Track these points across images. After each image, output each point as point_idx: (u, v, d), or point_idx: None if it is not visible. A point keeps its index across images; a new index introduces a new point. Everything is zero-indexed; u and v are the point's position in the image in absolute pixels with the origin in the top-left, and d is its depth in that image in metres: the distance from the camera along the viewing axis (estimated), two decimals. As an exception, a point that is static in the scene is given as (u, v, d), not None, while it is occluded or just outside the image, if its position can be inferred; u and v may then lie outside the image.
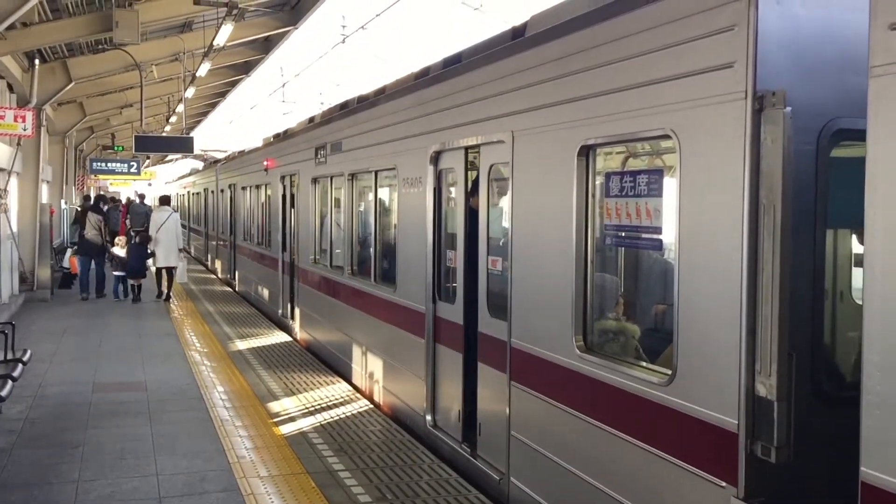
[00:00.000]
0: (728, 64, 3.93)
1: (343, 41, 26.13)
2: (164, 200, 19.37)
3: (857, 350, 3.19)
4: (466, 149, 6.92)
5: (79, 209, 20.65)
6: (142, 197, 28.25)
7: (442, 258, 7.66)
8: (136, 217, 21.46)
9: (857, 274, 4.20)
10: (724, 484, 3.93)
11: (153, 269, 18.58)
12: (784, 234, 3.68)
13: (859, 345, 3.13)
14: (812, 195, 3.89)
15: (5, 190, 15.91)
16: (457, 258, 7.24)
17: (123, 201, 32.10)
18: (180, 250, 18.66)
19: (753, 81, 3.79)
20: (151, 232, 18.05)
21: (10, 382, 7.77)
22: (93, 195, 27.99)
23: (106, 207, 21.69)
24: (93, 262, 18.49)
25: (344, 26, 38.31)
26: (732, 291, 3.88)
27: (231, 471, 6.88)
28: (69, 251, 20.85)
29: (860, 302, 3.35)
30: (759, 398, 3.76)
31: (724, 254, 3.94)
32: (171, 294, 18.27)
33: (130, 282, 18.04)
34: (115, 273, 18.36)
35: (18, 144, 16.78)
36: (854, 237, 4.22)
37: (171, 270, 18.11)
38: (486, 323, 6.68)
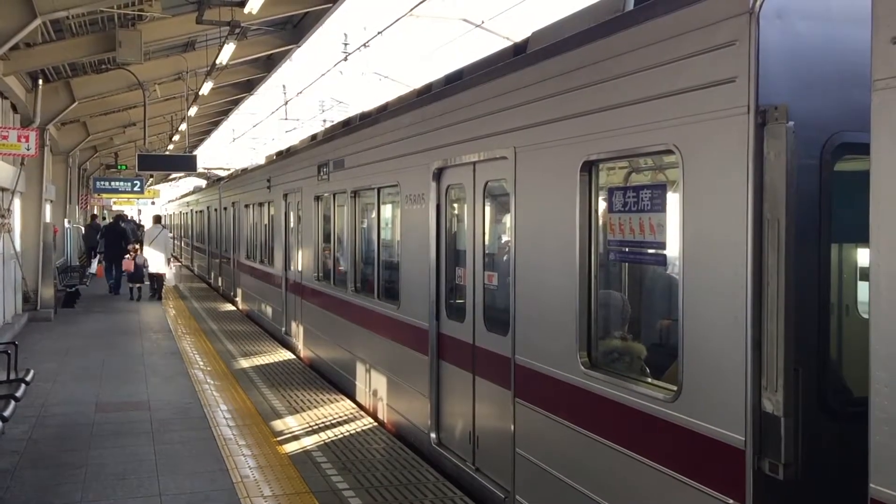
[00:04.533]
0: (730, 79, 3.92)
1: (345, 59, 26.15)
2: (157, 219, 24.22)
3: (863, 365, 3.16)
4: (474, 164, 6.91)
5: (105, 227, 26.15)
6: (123, 217, 30.61)
7: (445, 274, 7.63)
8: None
9: (862, 288, 4.18)
10: (731, 501, 3.90)
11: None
12: (788, 249, 3.66)
13: (866, 359, 3.10)
14: (816, 209, 3.87)
15: (9, 209, 15.93)
16: (465, 274, 7.22)
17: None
18: (169, 259, 23.04)
19: (756, 96, 3.79)
20: (145, 244, 22.38)
21: (13, 402, 7.74)
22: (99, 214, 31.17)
23: (122, 224, 26.01)
24: (113, 267, 23.49)
25: (346, 44, 38.48)
26: (737, 306, 3.86)
27: (234, 491, 6.85)
28: (95, 260, 25.64)
29: (866, 316, 3.32)
30: (766, 414, 3.73)
31: (729, 269, 3.92)
32: (162, 294, 22.25)
33: (129, 285, 22.10)
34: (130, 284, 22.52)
35: (22, 164, 16.82)
36: (859, 251, 4.21)
37: (161, 276, 22.40)
38: (485, 339, 6.66)
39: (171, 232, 31.84)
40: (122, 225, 25.28)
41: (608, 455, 4.87)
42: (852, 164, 3.95)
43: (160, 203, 60.17)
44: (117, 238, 23.38)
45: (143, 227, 29.39)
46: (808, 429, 3.69)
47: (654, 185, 4.82)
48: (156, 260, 21.96)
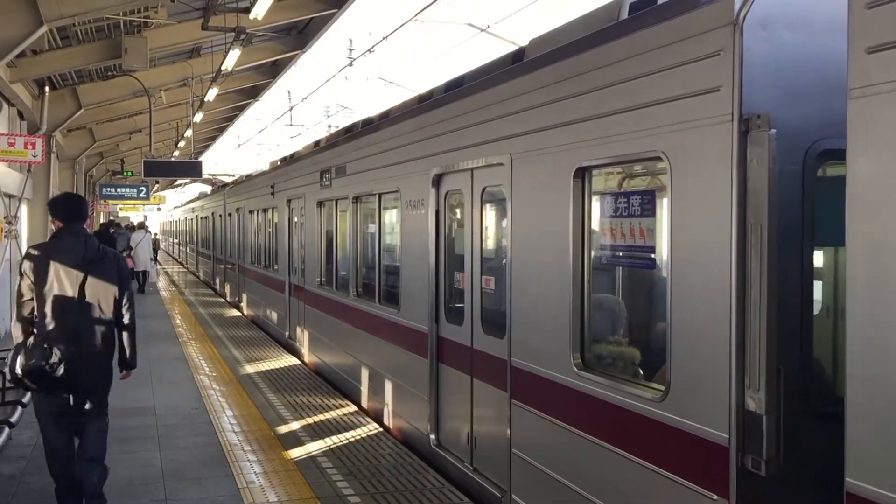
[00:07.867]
0: (715, 88, 4.04)
1: (350, 64, 26.30)
2: (141, 225, 29.31)
3: (843, 364, 3.27)
4: (472, 171, 7.02)
5: (94, 234, 27.43)
6: (117, 225, 31.82)
7: (444, 278, 7.74)
8: (121, 239, 26.35)
9: (841, 289, 4.27)
10: (716, 497, 4.01)
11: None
12: (770, 252, 3.77)
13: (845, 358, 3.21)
14: (798, 214, 3.98)
15: (15, 216, 16.09)
16: (463, 279, 7.33)
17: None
18: (152, 259, 27.63)
19: (739, 104, 3.90)
20: (132, 246, 25.58)
21: (19, 408, 7.85)
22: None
23: (111, 230, 27.76)
24: None
25: (351, 49, 38.64)
26: (722, 308, 3.97)
27: (240, 496, 6.90)
28: None
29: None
30: (749, 412, 3.84)
31: (714, 272, 4.03)
32: (145, 290, 26.15)
33: None
34: None
35: (29, 171, 16.99)
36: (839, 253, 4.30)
37: (146, 273, 26.56)
38: (483, 342, 6.77)
39: (154, 236, 36.97)
40: (111, 231, 27.74)
41: (600, 454, 4.98)
42: (834, 169, 4.06)
43: (166, 209, 60.35)
44: (107, 243, 25.43)
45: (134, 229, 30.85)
46: (789, 426, 3.80)
47: (643, 191, 4.93)
48: (141, 259, 25.98)
